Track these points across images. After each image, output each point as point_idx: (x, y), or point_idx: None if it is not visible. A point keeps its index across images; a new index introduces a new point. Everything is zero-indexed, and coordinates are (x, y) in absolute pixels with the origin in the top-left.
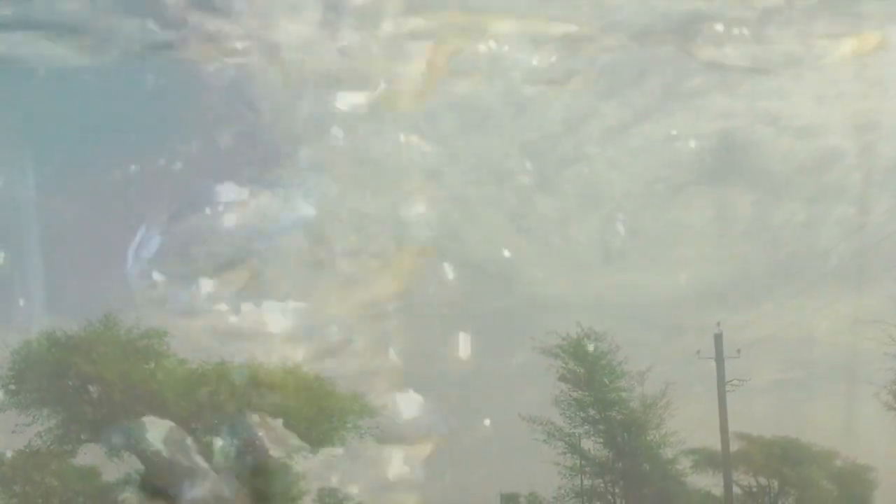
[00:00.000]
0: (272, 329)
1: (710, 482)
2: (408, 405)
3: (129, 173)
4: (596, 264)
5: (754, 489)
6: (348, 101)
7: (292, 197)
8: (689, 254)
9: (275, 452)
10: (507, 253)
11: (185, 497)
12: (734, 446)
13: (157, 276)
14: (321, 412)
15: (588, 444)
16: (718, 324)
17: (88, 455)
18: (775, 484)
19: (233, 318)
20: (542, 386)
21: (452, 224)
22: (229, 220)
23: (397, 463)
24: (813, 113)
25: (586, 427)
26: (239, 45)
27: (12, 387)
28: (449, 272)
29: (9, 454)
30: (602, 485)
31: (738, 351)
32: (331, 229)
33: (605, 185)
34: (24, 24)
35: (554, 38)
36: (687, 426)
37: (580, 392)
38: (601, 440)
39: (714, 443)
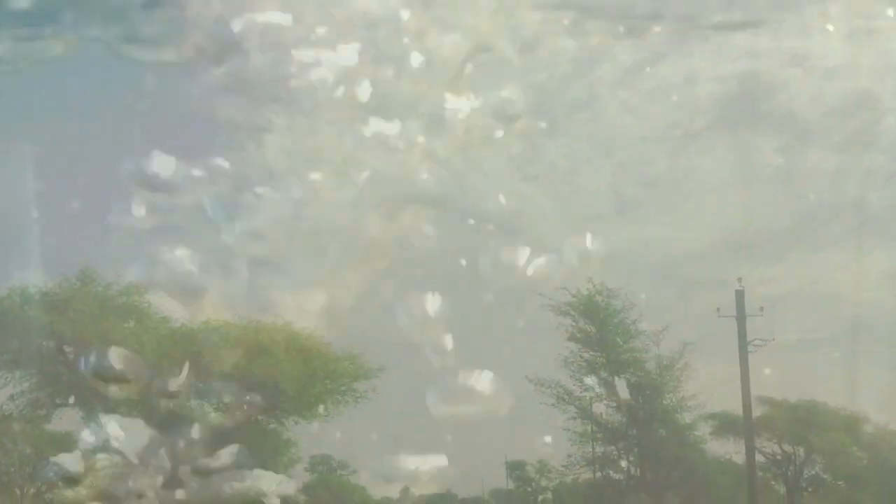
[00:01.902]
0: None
1: (730, 449)
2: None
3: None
4: (608, 215)
5: (778, 457)
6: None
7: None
8: (709, 204)
9: (263, 417)
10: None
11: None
12: (756, 411)
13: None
14: (314, 374)
15: (600, 409)
16: (740, 279)
17: (64, 420)
18: (801, 451)
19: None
20: (551, 346)
21: (454, 171)
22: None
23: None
24: (842, 52)
25: (598, 390)
26: None
27: None
28: (449, 223)
29: None
30: (615, 452)
31: (761, 308)
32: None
33: (617, 130)
34: None
35: None
36: (706, 389)
37: (592, 353)
38: (614, 404)
39: (735, 407)
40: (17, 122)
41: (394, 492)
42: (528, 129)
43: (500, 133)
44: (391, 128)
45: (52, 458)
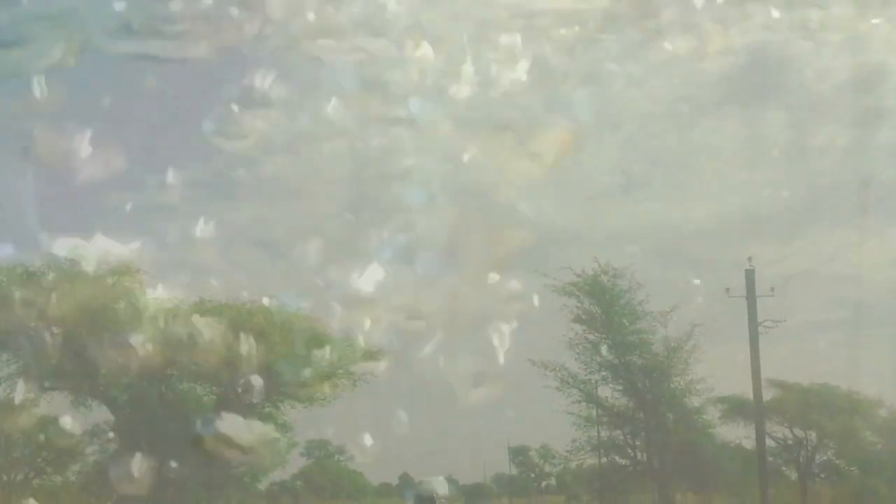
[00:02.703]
0: None
1: (740, 434)
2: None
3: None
4: (614, 193)
5: (789, 441)
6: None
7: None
8: (718, 181)
9: (258, 401)
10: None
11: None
12: (767, 394)
13: None
14: (310, 357)
15: (605, 392)
16: (750, 259)
17: (52, 404)
18: (812, 436)
19: None
20: (555, 327)
21: (452, 148)
22: None
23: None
24: (855, 25)
25: (603, 373)
26: None
27: None
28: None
29: None
30: (621, 437)
31: (772, 289)
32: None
33: (624, 105)
34: None
35: None
36: (715, 372)
37: (597, 334)
38: (620, 387)
39: (745, 390)
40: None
41: (392, 477)
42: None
43: (501, 108)
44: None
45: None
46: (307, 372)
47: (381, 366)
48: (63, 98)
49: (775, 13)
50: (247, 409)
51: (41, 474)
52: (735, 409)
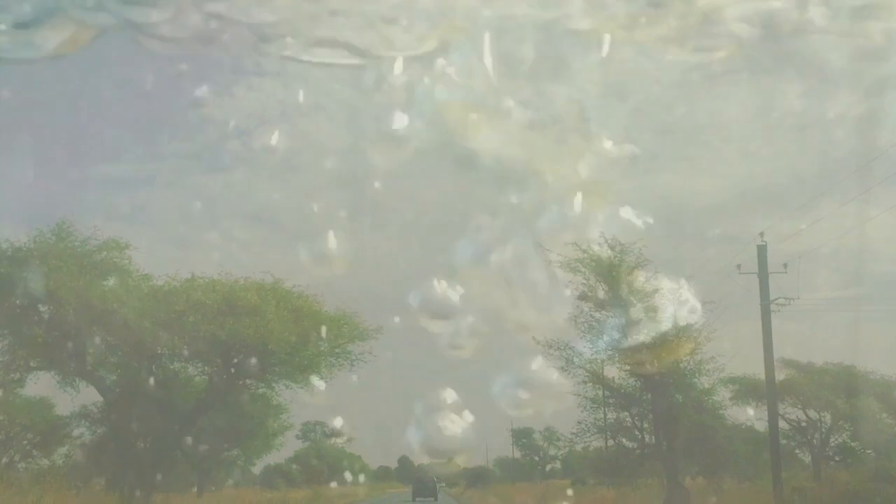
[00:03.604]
0: None
1: (751, 415)
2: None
3: None
4: (621, 164)
5: (803, 423)
6: None
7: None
8: (729, 153)
9: (252, 381)
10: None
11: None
12: (780, 374)
13: None
14: (306, 335)
15: (612, 373)
16: (762, 233)
17: (39, 385)
18: (827, 417)
19: None
20: (560, 305)
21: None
22: None
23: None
24: None
25: (610, 352)
26: None
27: None
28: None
29: None
30: (628, 418)
31: (785, 265)
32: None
33: (631, 73)
34: None
35: None
36: (726, 351)
37: (603, 312)
38: (627, 368)
39: (757, 370)
40: None
41: (391, 461)
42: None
43: (504, 77)
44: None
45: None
46: (304, 351)
47: (379, 345)
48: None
49: None
50: (240, 390)
51: (27, 457)
52: (746, 389)
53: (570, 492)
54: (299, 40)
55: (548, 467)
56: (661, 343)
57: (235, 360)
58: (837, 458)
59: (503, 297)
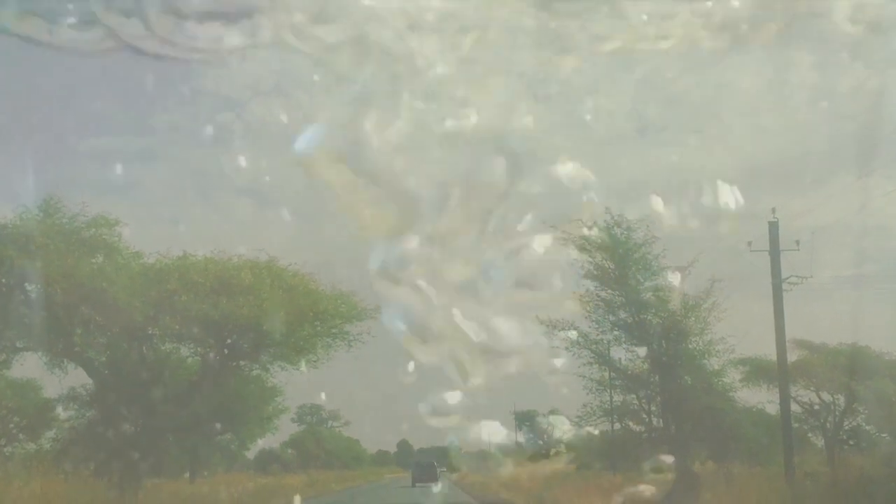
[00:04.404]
0: None
1: (763, 398)
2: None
3: None
4: (629, 138)
5: (816, 406)
6: None
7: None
8: (739, 126)
9: (246, 363)
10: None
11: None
12: (792, 356)
13: None
14: (301, 315)
15: (619, 354)
16: (774, 210)
17: (26, 366)
18: (841, 400)
19: None
20: (565, 284)
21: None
22: None
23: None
24: None
25: (616, 333)
26: None
27: None
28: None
29: None
30: (635, 401)
31: (797, 242)
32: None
33: (639, 42)
34: None
35: None
36: (736, 332)
37: (609, 291)
38: (634, 348)
39: (768, 351)
40: None
41: (390, 445)
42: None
43: (508, 48)
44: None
45: None
46: (299, 331)
47: (377, 325)
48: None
49: None
50: (234, 372)
51: (13, 441)
52: (758, 371)
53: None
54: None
55: (552, 451)
56: (670, 323)
57: (229, 341)
58: (851, 442)
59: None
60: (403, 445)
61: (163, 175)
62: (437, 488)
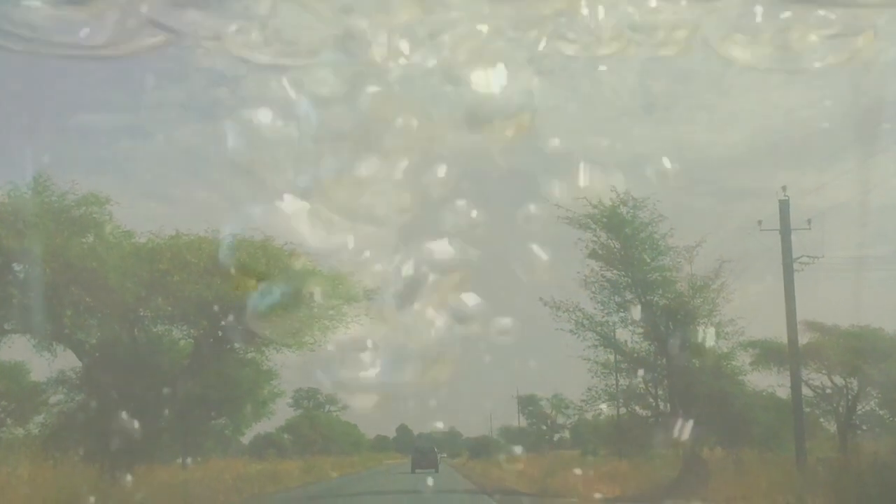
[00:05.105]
0: None
1: (773, 381)
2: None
3: None
4: (635, 114)
5: (828, 390)
6: None
7: None
8: (750, 101)
9: (240, 345)
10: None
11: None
12: (803, 338)
13: None
14: (298, 296)
15: (624, 336)
16: (784, 188)
17: (14, 349)
18: (854, 384)
19: None
20: (569, 264)
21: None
22: None
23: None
24: None
25: (622, 314)
26: None
27: None
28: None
29: None
30: (641, 385)
31: (809, 221)
32: None
33: (646, 15)
34: None
35: None
36: (746, 313)
37: (615, 272)
38: (640, 330)
39: (779, 333)
40: None
41: (389, 430)
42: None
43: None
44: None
45: None
46: (296, 312)
47: (376, 307)
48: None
49: None
50: (228, 355)
51: (1, 426)
52: (768, 354)
53: (577, 471)
54: None
55: (556, 437)
56: (677, 304)
57: (223, 323)
58: (865, 427)
59: (509, 257)
60: (403, 430)
61: (155, 152)
62: (437, 475)
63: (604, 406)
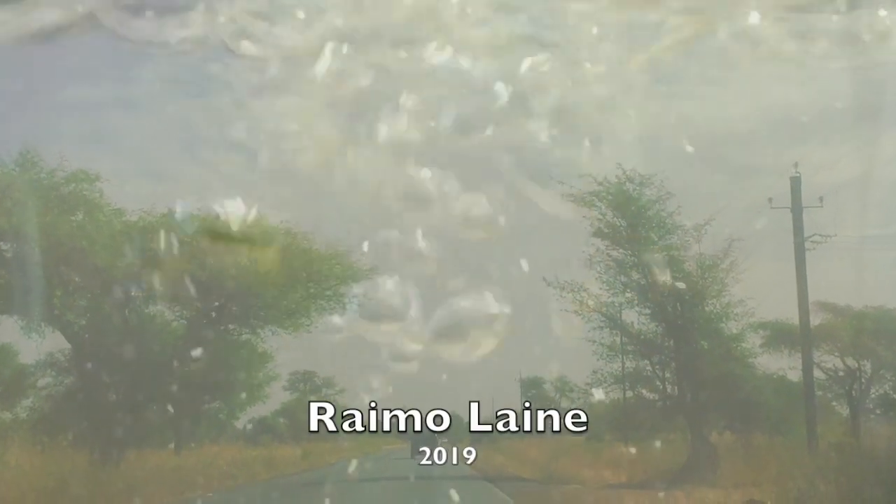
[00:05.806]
0: None
1: (784, 364)
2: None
3: None
4: (642, 88)
5: (840, 373)
6: None
7: None
8: (760, 75)
9: (235, 326)
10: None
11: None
12: (815, 319)
13: None
14: (294, 276)
15: (631, 317)
16: (796, 164)
17: (1, 331)
18: (867, 366)
19: None
20: (574, 243)
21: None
22: None
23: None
24: None
25: (629, 295)
26: None
27: None
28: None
29: None
30: (648, 367)
31: (821, 199)
32: None
33: None
34: None
35: None
36: (756, 294)
37: (621, 251)
38: (647, 312)
39: (790, 315)
40: None
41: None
42: None
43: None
44: None
45: None
46: (292, 294)
47: (376, 287)
48: None
49: None
50: (222, 337)
51: None
52: (779, 335)
53: (582, 457)
54: None
55: None
56: (685, 284)
57: (216, 304)
58: (878, 411)
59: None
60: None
61: (146, 127)
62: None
63: (597, 391)
